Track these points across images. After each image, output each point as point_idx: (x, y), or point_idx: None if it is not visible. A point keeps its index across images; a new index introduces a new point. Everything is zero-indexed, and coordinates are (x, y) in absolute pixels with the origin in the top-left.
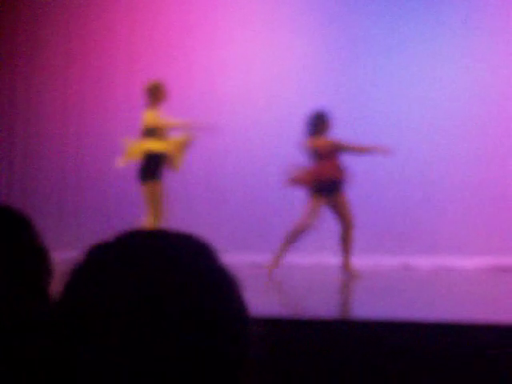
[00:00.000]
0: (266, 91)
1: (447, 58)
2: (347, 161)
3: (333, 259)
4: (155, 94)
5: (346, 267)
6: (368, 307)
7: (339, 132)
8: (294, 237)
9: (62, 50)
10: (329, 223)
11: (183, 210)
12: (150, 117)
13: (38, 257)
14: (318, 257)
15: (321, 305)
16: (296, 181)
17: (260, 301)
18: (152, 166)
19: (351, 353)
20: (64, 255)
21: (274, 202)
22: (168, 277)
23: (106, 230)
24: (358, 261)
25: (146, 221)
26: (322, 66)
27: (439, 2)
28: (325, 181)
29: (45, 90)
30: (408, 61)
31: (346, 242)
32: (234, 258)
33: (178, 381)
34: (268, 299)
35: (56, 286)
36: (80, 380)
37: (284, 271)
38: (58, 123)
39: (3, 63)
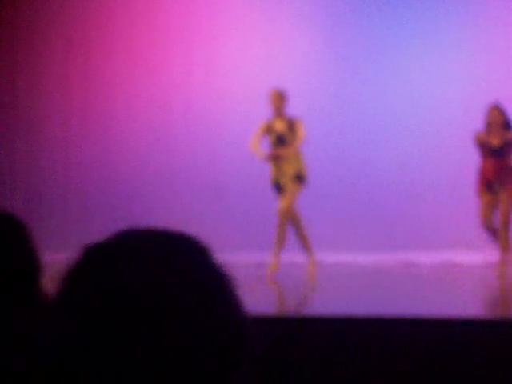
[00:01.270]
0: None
1: (453, 59)
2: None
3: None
4: (285, 102)
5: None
6: (370, 304)
7: (345, 132)
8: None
9: (63, 51)
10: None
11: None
12: (289, 126)
13: (28, 262)
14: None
15: (323, 302)
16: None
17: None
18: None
19: (354, 350)
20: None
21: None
22: (164, 276)
23: (110, 231)
24: (361, 259)
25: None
26: (324, 66)
27: (447, 3)
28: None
29: (46, 92)
30: (413, 60)
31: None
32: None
33: (173, 381)
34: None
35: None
36: (81, 380)
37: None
38: (59, 125)
39: (4, 65)
